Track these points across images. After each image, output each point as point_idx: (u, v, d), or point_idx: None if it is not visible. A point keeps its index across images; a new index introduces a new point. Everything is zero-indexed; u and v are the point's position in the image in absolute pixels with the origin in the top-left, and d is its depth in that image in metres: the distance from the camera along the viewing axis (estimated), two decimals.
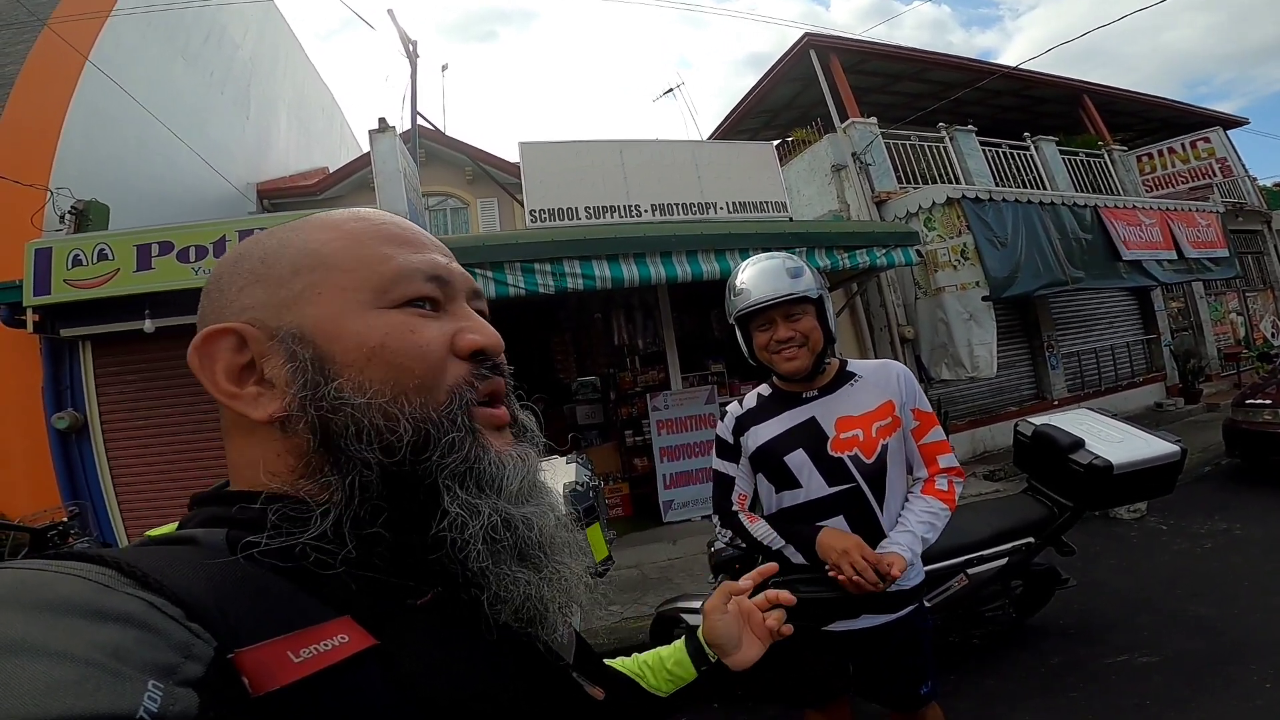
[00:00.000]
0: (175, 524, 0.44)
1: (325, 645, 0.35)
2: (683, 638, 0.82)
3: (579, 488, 2.13)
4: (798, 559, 1.51)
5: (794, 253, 5.22)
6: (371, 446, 0.42)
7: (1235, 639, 2.84)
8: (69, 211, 5.59)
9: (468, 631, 0.44)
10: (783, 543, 1.53)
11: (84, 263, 4.84)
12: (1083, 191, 8.97)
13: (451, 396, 0.45)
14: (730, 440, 1.63)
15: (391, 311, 0.45)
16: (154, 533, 0.43)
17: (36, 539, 2.79)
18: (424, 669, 0.40)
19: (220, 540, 0.39)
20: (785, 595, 0.82)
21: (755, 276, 1.51)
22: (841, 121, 8.13)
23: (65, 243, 4.97)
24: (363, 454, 0.42)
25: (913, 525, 1.45)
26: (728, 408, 1.69)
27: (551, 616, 0.48)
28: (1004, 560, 2.75)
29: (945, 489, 1.49)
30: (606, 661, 0.73)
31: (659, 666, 0.79)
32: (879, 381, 1.54)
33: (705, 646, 0.79)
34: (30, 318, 4.87)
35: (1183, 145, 10.68)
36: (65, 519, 3.11)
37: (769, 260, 1.54)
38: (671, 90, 12.93)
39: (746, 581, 0.82)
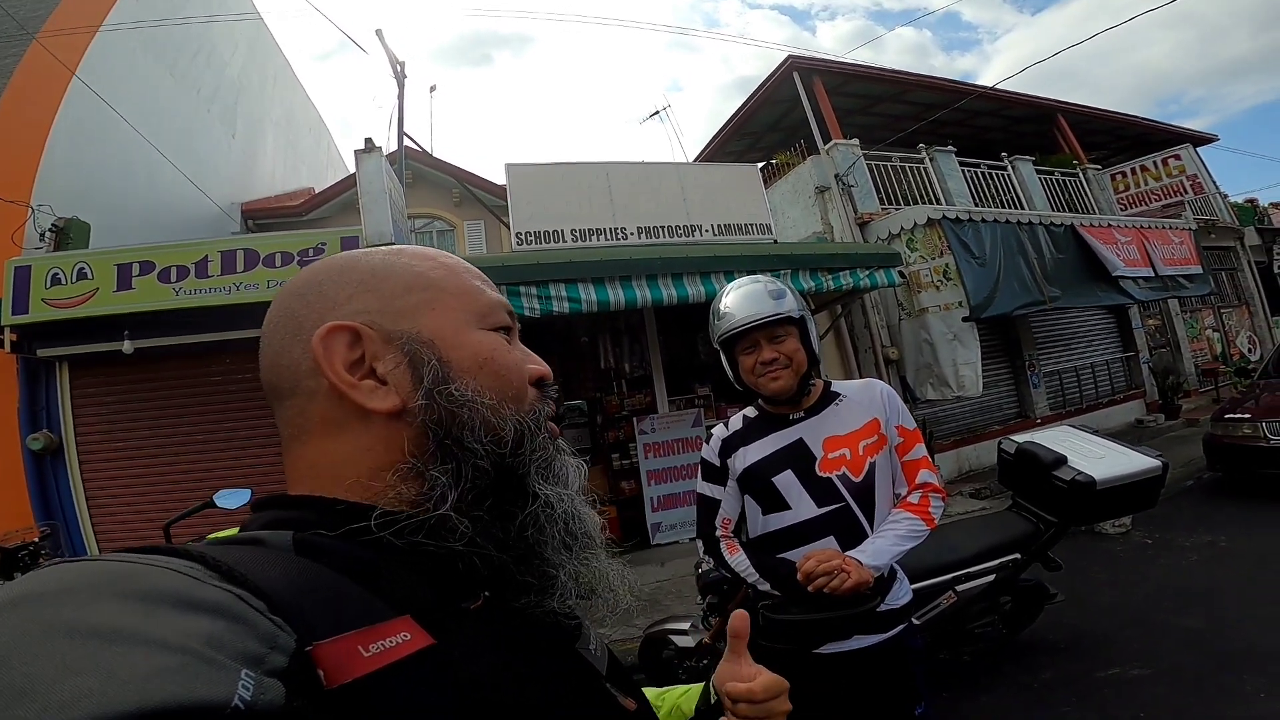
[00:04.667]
0: (236, 529, 0.47)
1: (391, 641, 0.36)
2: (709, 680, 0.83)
3: None
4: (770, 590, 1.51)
5: (778, 274, 5.28)
6: (485, 439, 0.47)
7: (1227, 650, 2.86)
8: (49, 229, 5.48)
9: (516, 637, 0.47)
10: (757, 576, 1.53)
11: (63, 281, 4.76)
12: (1059, 210, 9.15)
13: (533, 407, 0.52)
14: (716, 462, 1.62)
15: (489, 332, 0.53)
16: (214, 536, 0.45)
17: (7, 558, 2.74)
18: (476, 669, 0.41)
19: (287, 541, 0.40)
20: (740, 614, 0.83)
21: (738, 300, 1.53)
22: (825, 143, 8.24)
23: (45, 261, 4.90)
24: (478, 445, 0.47)
25: (877, 539, 1.46)
26: (713, 430, 1.69)
27: (599, 601, 0.54)
28: (992, 576, 2.77)
29: (917, 503, 1.50)
30: None
31: (672, 702, 0.80)
32: (864, 400, 1.56)
33: (711, 690, 0.80)
34: (8, 337, 4.78)
35: (1154, 163, 10.92)
36: (36, 539, 3.05)
37: (752, 284, 1.56)
38: (658, 113, 13.08)
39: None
